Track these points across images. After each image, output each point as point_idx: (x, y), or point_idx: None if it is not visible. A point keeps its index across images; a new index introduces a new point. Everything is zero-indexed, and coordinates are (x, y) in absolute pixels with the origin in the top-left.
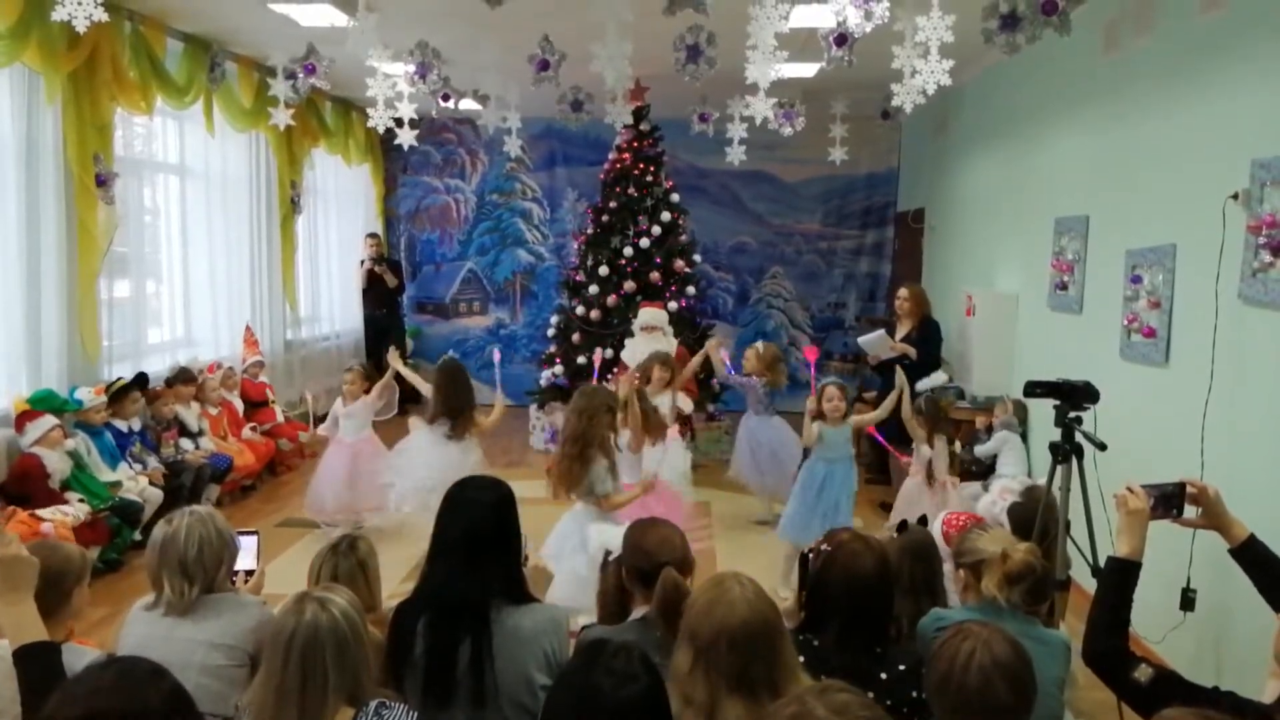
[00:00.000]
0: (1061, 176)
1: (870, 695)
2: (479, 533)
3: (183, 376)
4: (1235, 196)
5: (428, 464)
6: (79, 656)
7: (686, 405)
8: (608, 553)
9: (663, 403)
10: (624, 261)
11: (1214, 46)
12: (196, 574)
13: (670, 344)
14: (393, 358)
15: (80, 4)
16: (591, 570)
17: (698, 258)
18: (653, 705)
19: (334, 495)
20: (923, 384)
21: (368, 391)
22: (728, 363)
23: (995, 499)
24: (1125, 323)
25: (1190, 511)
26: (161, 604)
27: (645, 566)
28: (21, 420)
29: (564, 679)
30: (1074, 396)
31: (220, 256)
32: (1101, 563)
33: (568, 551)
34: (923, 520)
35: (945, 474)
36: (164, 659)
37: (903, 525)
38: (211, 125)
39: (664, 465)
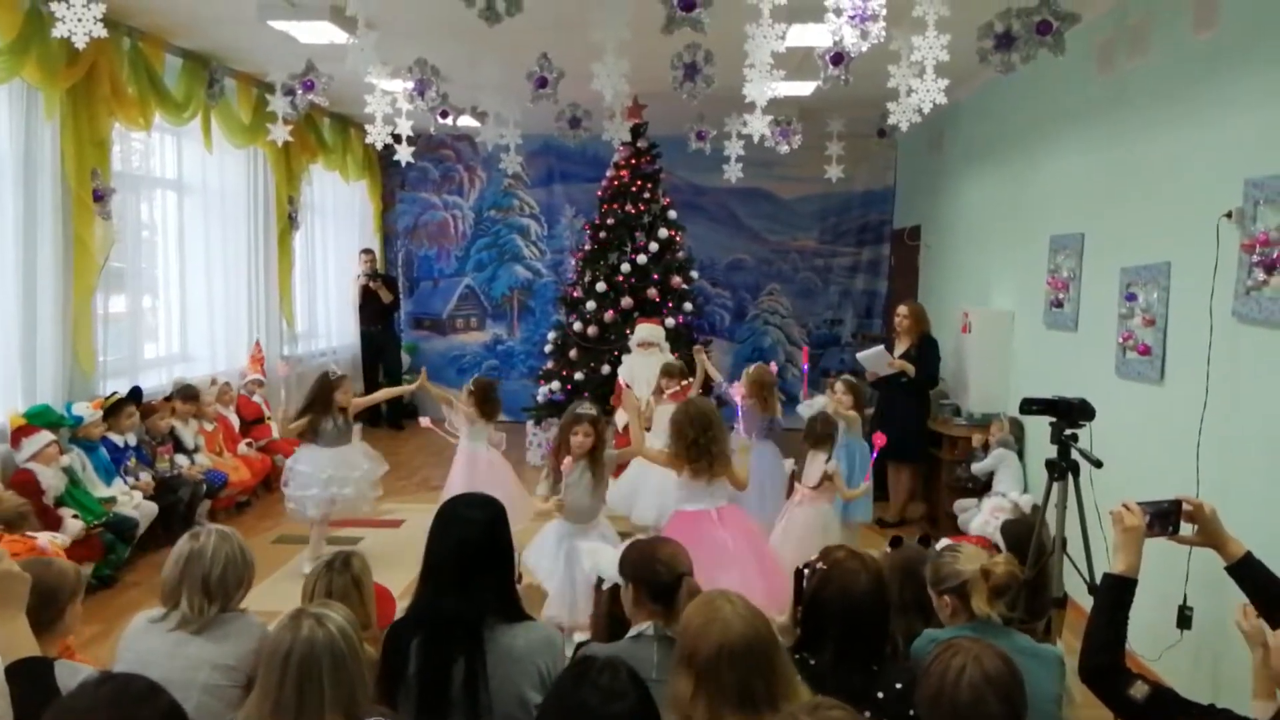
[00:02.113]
0: (1057, 194)
1: (867, 714)
2: (471, 551)
3: (185, 393)
4: (1229, 215)
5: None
6: (72, 673)
7: None
8: (600, 579)
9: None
10: (621, 278)
11: (1207, 66)
12: (218, 594)
13: (667, 360)
14: (422, 378)
15: (80, 20)
16: (582, 588)
17: (695, 274)
18: None
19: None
20: (802, 408)
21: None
22: (720, 379)
23: (988, 518)
24: (1120, 340)
25: (1187, 529)
26: (173, 619)
27: (663, 580)
28: (17, 436)
29: (553, 697)
30: (1070, 414)
31: (217, 272)
32: (1098, 580)
33: (545, 566)
34: (924, 540)
35: (807, 485)
36: (165, 675)
37: (896, 541)
38: (210, 141)
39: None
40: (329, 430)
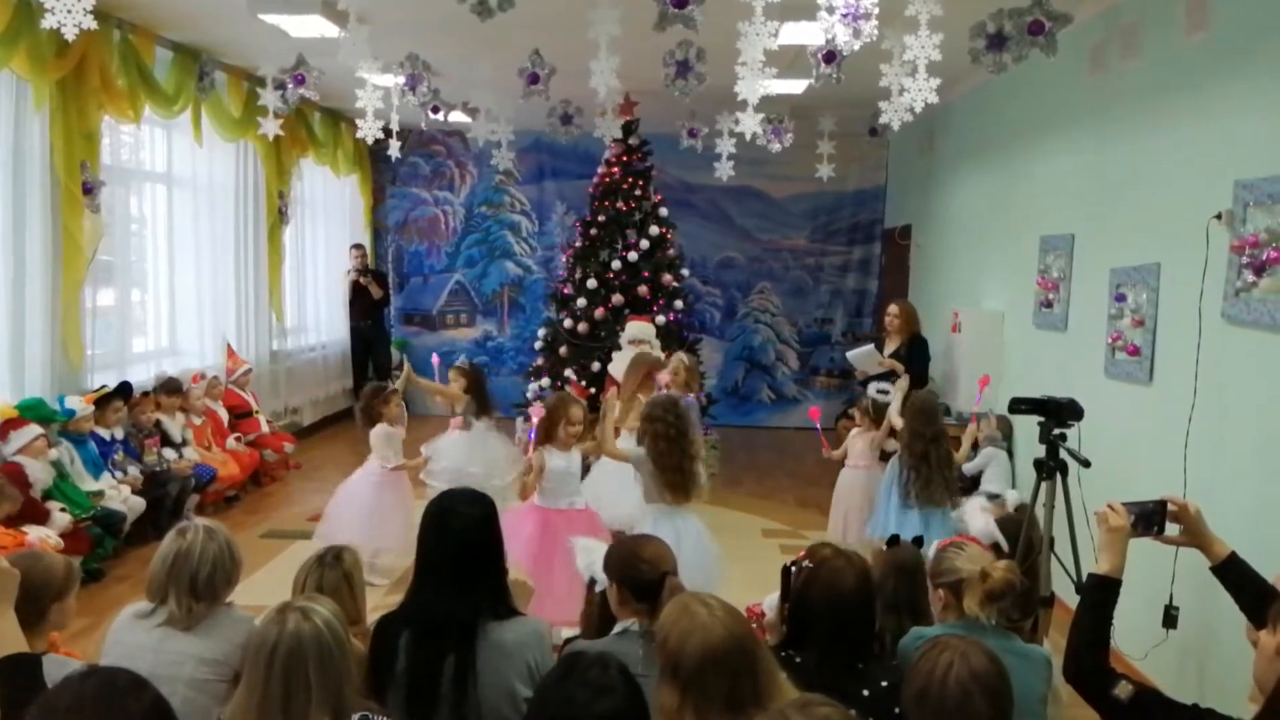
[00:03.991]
0: (1047, 195)
1: (853, 712)
2: (468, 549)
3: (168, 387)
4: (1219, 217)
5: (475, 455)
6: (60, 667)
7: None
8: (592, 580)
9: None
10: (612, 275)
11: (1198, 68)
12: (205, 593)
13: (658, 358)
14: (407, 372)
15: (69, 12)
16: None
17: (685, 272)
18: (630, 717)
19: (355, 528)
20: (872, 389)
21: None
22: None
23: (982, 527)
24: (1109, 341)
25: (1172, 529)
26: (159, 615)
27: (646, 577)
28: (5, 428)
29: (542, 692)
30: (1059, 413)
31: (206, 266)
32: (1084, 579)
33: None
34: (918, 541)
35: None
36: (152, 670)
37: (893, 539)
38: (199, 134)
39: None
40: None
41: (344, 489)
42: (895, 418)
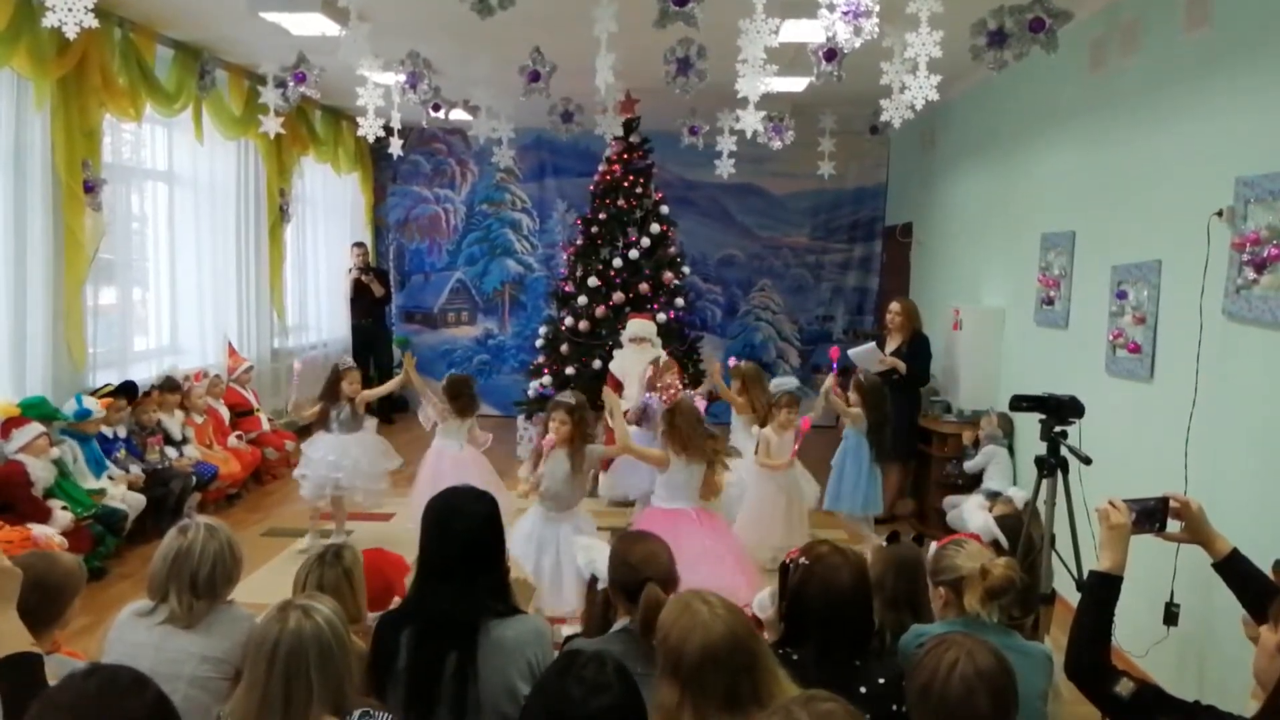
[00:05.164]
0: (1048, 192)
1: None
2: (470, 548)
3: (168, 385)
4: (1220, 214)
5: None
6: (62, 667)
7: None
8: (594, 576)
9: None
10: (613, 273)
11: (1199, 65)
12: (205, 591)
13: (658, 355)
14: (409, 365)
15: (70, 10)
16: (570, 578)
17: (686, 270)
18: (626, 715)
19: None
20: (776, 382)
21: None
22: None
23: (982, 524)
24: (1110, 338)
25: (1174, 526)
26: (160, 613)
27: (629, 581)
28: (7, 426)
29: (538, 689)
30: (1060, 411)
31: (208, 264)
32: (1086, 576)
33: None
34: (918, 538)
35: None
36: (153, 668)
37: (893, 536)
38: (200, 133)
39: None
40: (337, 419)
41: (443, 475)
42: (840, 408)
